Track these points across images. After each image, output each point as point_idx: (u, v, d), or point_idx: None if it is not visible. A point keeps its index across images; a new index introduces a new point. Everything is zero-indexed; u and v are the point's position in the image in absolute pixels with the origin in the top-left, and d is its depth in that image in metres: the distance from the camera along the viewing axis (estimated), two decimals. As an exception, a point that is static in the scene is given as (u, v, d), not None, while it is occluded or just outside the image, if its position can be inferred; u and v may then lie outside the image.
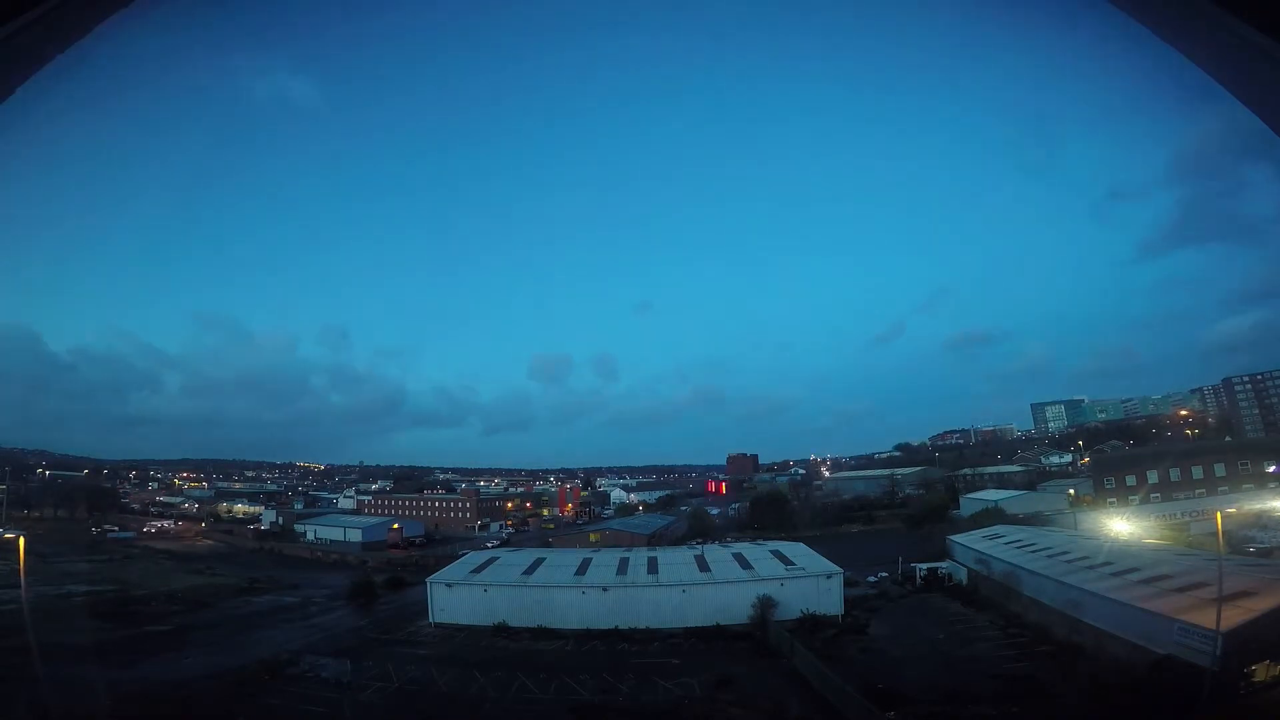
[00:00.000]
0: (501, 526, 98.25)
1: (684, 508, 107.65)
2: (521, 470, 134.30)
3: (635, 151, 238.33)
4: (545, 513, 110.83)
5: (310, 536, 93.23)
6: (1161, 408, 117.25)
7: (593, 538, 79.99)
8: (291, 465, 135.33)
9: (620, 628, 44.93)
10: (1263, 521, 53.02)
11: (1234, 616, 30.67)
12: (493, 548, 77.14)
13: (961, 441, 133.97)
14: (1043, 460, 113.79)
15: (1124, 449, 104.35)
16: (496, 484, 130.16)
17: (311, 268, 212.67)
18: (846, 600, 47.56)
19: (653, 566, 52.48)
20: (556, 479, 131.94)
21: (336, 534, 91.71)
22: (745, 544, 63.22)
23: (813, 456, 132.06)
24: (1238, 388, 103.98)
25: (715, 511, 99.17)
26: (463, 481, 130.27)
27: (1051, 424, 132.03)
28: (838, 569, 48.97)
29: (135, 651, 42.82)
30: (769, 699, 33.17)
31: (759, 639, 42.58)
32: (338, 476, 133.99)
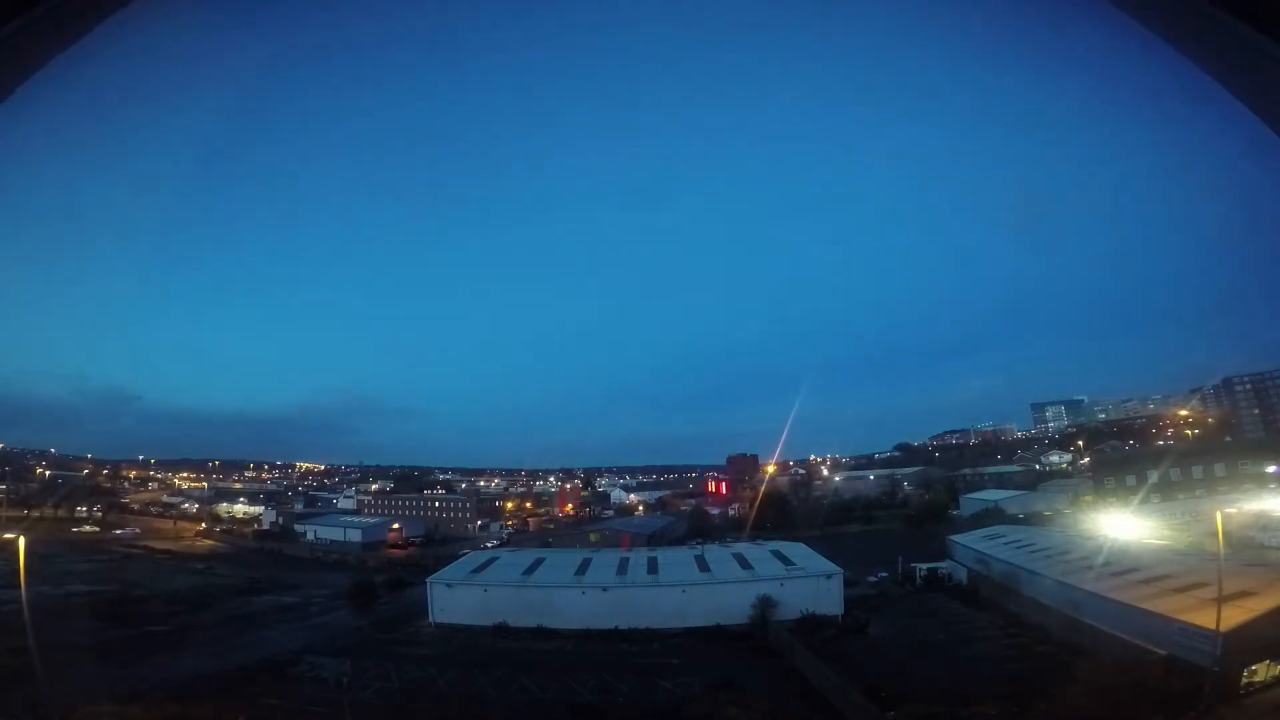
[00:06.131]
0: (501, 526, 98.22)
1: (684, 507, 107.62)
2: (521, 470, 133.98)
3: (630, 146, 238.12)
4: (543, 512, 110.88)
5: (310, 536, 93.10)
6: (1161, 408, 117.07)
7: (593, 538, 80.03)
8: (291, 465, 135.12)
9: (620, 628, 44.95)
10: (1263, 521, 53.00)
11: (1234, 616, 30.70)
12: (493, 548, 77.18)
13: (961, 441, 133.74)
14: (1042, 460, 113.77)
15: (1124, 449, 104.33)
16: (496, 484, 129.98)
17: (314, 266, 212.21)
18: (846, 600, 47.55)
19: (653, 566, 52.53)
20: (556, 479, 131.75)
21: (336, 534, 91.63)
22: (745, 544, 63.25)
23: (812, 456, 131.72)
24: (1238, 388, 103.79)
25: (715, 511, 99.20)
26: (463, 481, 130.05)
27: (1051, 424, 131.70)
28: (837, 569, 48.99)
29: (135, 651, 42.82)
30: (769, 699, 33.20)
31: (759, 639, 42.62)
32: (338, 476, 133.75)
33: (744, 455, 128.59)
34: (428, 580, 51.94)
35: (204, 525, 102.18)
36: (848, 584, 49.02)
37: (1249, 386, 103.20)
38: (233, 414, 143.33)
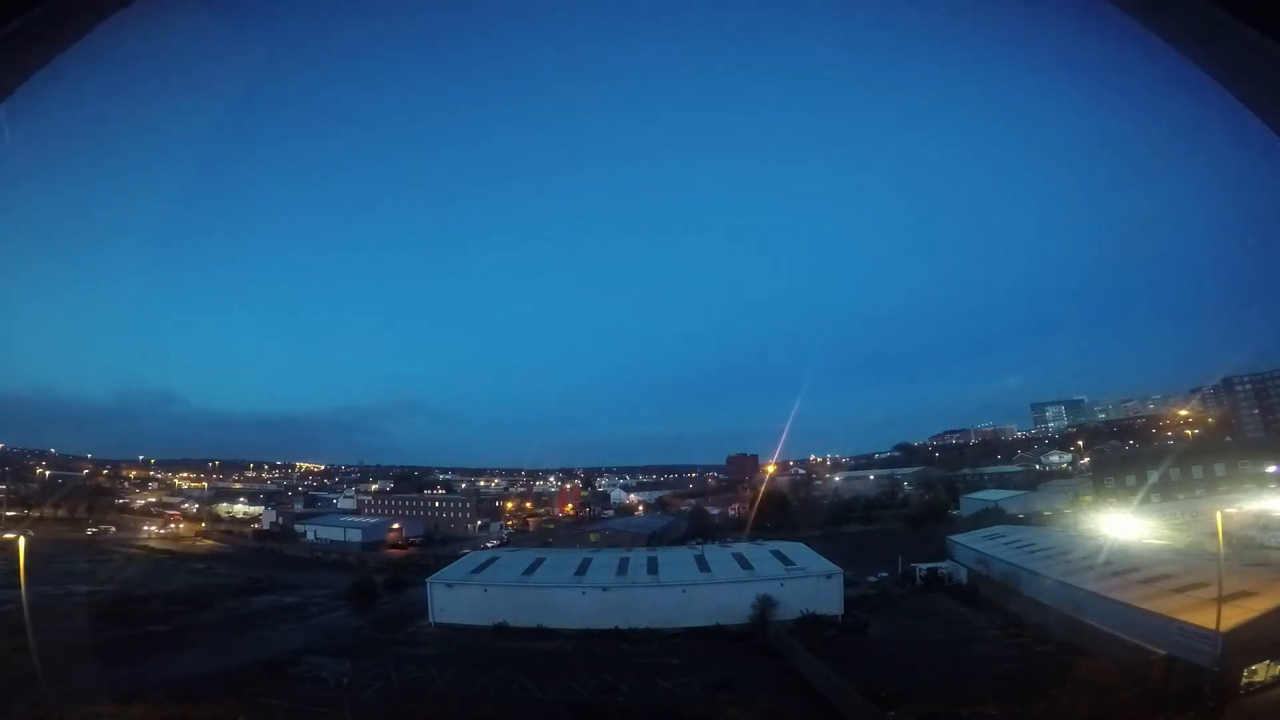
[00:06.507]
0: (501, 526, 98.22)
1: (684, 507, 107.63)
2: (521, 470, 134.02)
3: (629, 149, 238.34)
4: (543, 512, 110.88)
5: (310, 536, 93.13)
6: (1161, 408, 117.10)
7: (593, 538, 80.00)
8: (291, 465, 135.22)
9: (620, 628, 44.91)
10: (1263, 521, 52.99)
11: (1234, 616, 30.68)
12: (493, 548, 77.17)
13: (961, 441, 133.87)
14: (1042, 460, 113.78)
15: (1124, 449, 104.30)
16: (496, 484, 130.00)
17: (316, 269, 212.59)
18: (846, 600, 47.51)
19: (653, 566, 52.48)
20: (556, 479, 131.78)
21: (336, 534, 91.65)
22: (745, 544, 63.21)
23: (812, 456, 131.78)
24: (1238, 388, 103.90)
25: (715, 511, 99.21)
26: (463, 481, 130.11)
27: (1051, 424, 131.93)
28: (837, 569, 48.94)
29: (135, 651, 42.81)
30: (769, 699, 33.18)
31: (759, 639, 42.57)
32: (338, 476, 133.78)
33: (744, 455, 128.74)
34: (428, 580, 51.88)
35: (204, 525, 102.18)
36: (848, 584, 48.96)
37: (1249, 386, 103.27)
38: (233, 414, 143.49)
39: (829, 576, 48.13)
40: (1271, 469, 65.02)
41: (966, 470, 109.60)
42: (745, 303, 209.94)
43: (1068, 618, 39.31)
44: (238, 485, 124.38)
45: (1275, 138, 4.11)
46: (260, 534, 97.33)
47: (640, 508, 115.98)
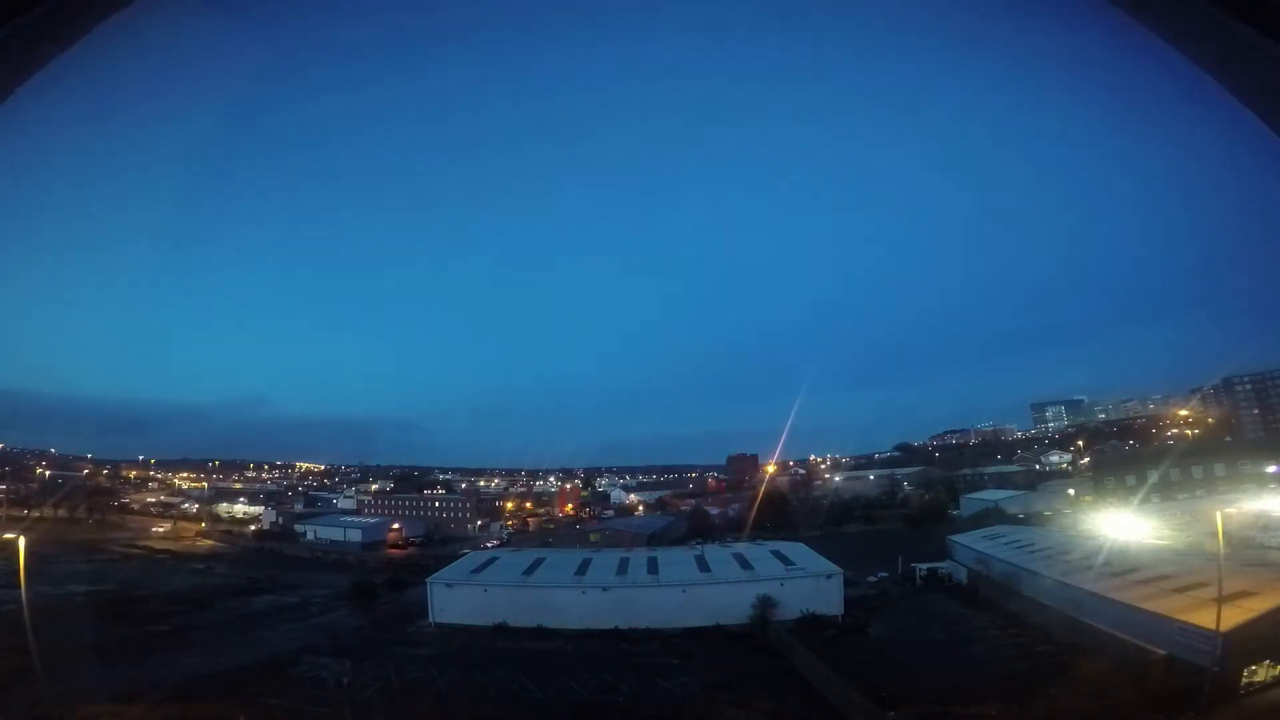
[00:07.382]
0: (501, 526, 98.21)
1: (684, 507, 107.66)
2: (521, 470, 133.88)
3: (630, 148, 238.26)
4: (543, 512, 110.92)
5: (310, 536, 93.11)
6: (1161, 408, 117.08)
7: (593, 538, 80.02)
8: (291, 465, 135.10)
9: (620, 628, 44.93)
10: (1263, 521, 52.98)
11: (1234, 616, 30.69)
12: (493, 548, 77.18)
13: (961, 441, 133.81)
14: (1042, 460, 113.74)
15: (1124, 449, 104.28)
16: (496, 484, 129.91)
17: (312, 266, 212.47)
18: (846, 600, 47.53)
19: (653, 566, 52.49)
20: (556, 479, 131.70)
21: (336, 534, 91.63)
22: (745, 544, 63.21)
23: (812, 456, 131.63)
24: (1238, 388, 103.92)
25: (715, 511, 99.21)
26: (463, 481, 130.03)
27: (1051, 424, 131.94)
28: (837, 569, 48.97)
29: (135, 651, 42.83)
30: (769, 699, 33.19)
31: (759, 639, 42.61)
32: (338, 477, 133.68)
33: (744, 455, 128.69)
34: (428, 580, 51.89)
35: (203, 525, 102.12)
36: (848, 584, 48.98)
37: (1249, 386, 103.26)
38: (236, 415, 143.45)
39: (829, 576, 48.13)
40: (1271, 469, 65.05)
41: (966, 470, 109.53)
42: (746, 303, 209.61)
43: (1068, 618, 39.31)
44: (238, 485, 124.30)
45: (1275, 137, 4.11)
46: (260, 534, 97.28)
47: (640, 508, 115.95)
